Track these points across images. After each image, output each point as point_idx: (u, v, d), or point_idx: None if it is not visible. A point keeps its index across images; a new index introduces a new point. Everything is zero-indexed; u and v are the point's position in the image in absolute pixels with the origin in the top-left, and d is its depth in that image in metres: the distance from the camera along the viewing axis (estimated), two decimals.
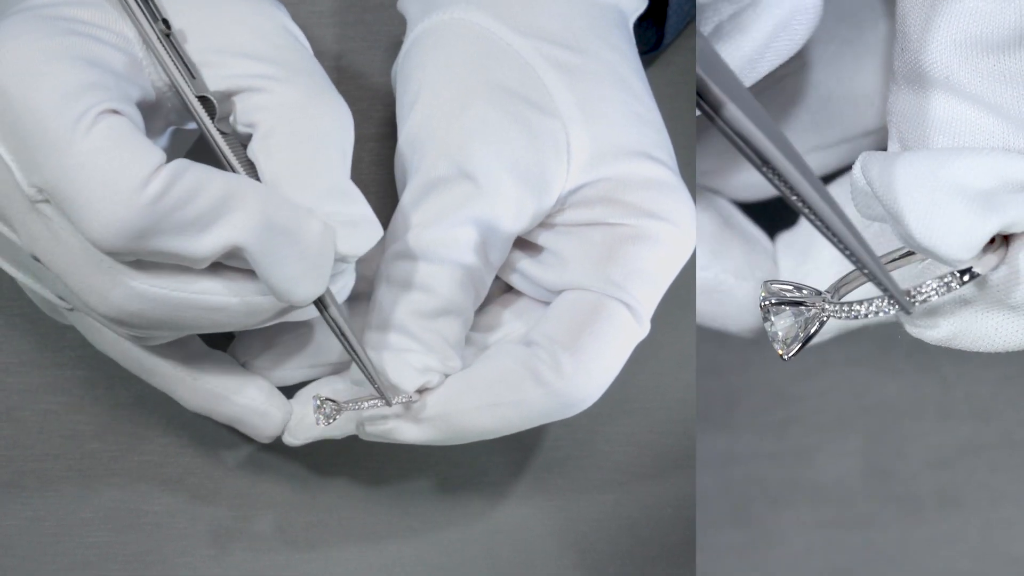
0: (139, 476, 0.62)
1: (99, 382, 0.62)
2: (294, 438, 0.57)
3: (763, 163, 0.49)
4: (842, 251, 0.49)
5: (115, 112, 0.49)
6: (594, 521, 0.63)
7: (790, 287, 0.51)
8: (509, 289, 0.60)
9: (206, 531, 0.62)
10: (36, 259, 0.51)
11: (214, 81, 0.52)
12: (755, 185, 0.60)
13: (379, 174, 0.63)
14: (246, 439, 0.61)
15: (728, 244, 0.58)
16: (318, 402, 0.54)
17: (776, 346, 0.50)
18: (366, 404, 0.55)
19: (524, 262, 0.58)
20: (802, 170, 0.49)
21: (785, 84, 0.60)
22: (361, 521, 0.62)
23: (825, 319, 0.50)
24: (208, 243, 0.49)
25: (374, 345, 0.55)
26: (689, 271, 0.59)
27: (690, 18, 0.64)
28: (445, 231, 0.55)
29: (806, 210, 0.49)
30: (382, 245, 0.57)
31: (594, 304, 0.57)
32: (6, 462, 0.62)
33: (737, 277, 0.58)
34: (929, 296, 0.49)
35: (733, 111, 0.48)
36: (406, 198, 0.56)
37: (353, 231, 0.52)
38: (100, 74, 0.49)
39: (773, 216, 0.61)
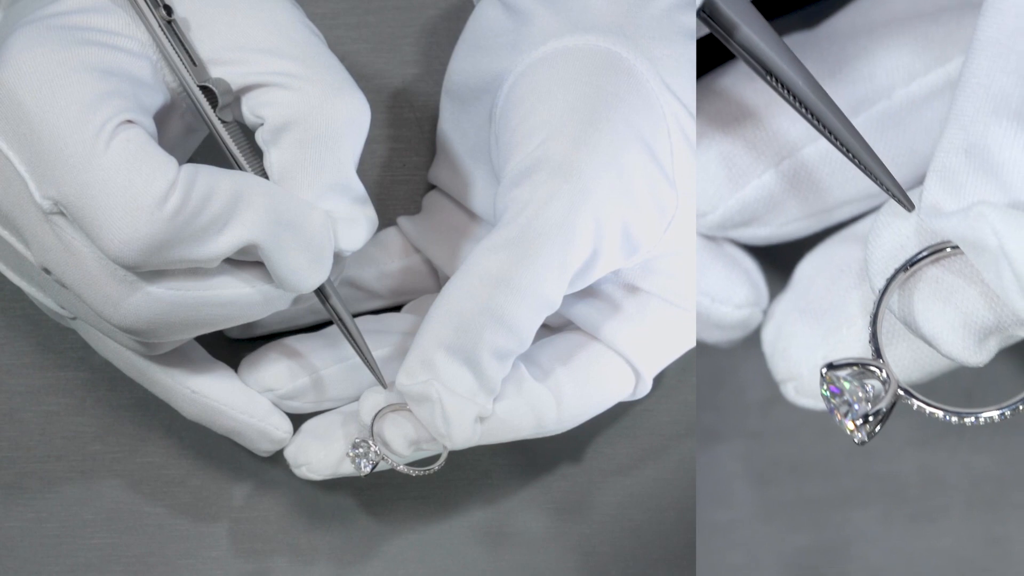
0: (141, 478, 0.62)
1: (101, 384, 0.62)
2: (314, 474, 0.57)
3: (772, 78, 0.52)
4: (852, 159, 0.51)
5: (130, 123, 0.49)
6: (596, 524, 0.63)
7: (850, 368, 0.51)
8: None
9: (208, 533, 0.62)
10: (47, 271, 0.51)
11: (234, 78, 0.52)
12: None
13: (382, 176, 0.64)
14: None
15: (708, 266, 0.58)
16: (360, 449, 0.55)
17: (853, 435, 0.50)
18: (414, 473, 0.56)
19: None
20: (810, 85, 0.51)
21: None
22: (363, 523, 0.62)
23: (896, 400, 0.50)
24: (222, 244, 0.49)
25: (442, 373, 0.54)
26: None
27: None
28: (554, 274, 0.54)
29: (820, 126, 0.51)
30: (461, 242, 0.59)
31: (607, 357, 0.58)
32: (8, 464, 0.62)
33: (714, 300, 0.58)
34: None
35: (746, 32, 0.51)
36: (522, 224, 0.53)
37: (351, 226, 0.52)
38: (116, 83, 0.49)
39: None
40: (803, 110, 0.52)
